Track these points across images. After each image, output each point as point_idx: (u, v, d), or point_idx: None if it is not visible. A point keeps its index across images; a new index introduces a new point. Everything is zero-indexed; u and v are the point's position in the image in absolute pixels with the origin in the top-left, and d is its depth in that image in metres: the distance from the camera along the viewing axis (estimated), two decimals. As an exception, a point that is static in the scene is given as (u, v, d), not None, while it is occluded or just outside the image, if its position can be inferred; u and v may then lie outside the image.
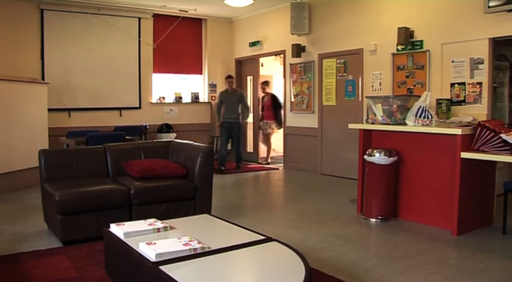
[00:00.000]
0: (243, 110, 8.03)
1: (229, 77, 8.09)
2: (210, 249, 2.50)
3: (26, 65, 7.39)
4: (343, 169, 7.06)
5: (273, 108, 8.66)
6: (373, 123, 4.73)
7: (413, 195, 4.48)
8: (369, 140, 4.79)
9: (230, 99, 7.93)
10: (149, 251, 2.40)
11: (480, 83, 5.27)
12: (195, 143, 4.76)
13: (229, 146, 9.41)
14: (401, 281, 2.99)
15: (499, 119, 5.23)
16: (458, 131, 3.90)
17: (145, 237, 2.73)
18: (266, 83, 8.97)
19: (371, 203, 4.55)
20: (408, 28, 5.96)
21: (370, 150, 4.55)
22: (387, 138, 4.62)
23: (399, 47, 6.16)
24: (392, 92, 6.19)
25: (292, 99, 8.11)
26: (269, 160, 8.92)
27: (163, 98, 9.03)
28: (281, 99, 8.55)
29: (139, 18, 8.55)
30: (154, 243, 2.50)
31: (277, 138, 8.85)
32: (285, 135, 8.37)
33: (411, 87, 6.02)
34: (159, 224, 2.98)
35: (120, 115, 8.44)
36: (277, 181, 7.24)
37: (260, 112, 8.98)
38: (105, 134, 6.53)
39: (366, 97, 5.20)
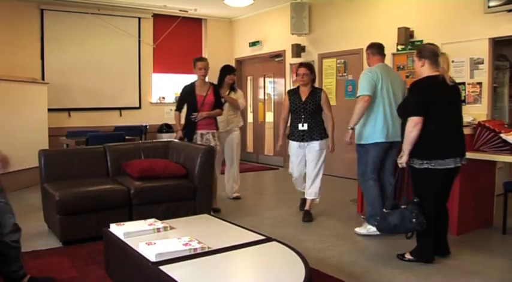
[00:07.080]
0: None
1: None
2: (210, 249, 2.50)
3: (26, 65, 7.38)
4: (343, 169, 7.06)
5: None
6: (373, 123, 4.71)
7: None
8: (368, 140, 4.76)
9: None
10: (149, 251, 2.40)
11: (480, 83, 5.27)
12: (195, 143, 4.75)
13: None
14: (401, 281, 2.99)
15: (499, 119, 5.22)
16: (458, 131, 3.89)
17: (145, 237, 2.73)
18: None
19: (371, 203, 4.53)
20: (408, 28, 5.96)
21: (370, 150, 4.53)
22: (387, 138, 4.59)
23: (399, 47, 6.15)
24: (392, 92, 6.18)
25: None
26: None
27: (163, 98, 9.02)
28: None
29: (139, 18, 8.55)
30: (154, 243, 2.50)
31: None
32: (285, 135, 8.33)
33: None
34: (159, 224, 2.98)
35: (120, 115, 8.44)
36: (277, 181, 7.23)
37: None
38: (105, 134, 6.53)
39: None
